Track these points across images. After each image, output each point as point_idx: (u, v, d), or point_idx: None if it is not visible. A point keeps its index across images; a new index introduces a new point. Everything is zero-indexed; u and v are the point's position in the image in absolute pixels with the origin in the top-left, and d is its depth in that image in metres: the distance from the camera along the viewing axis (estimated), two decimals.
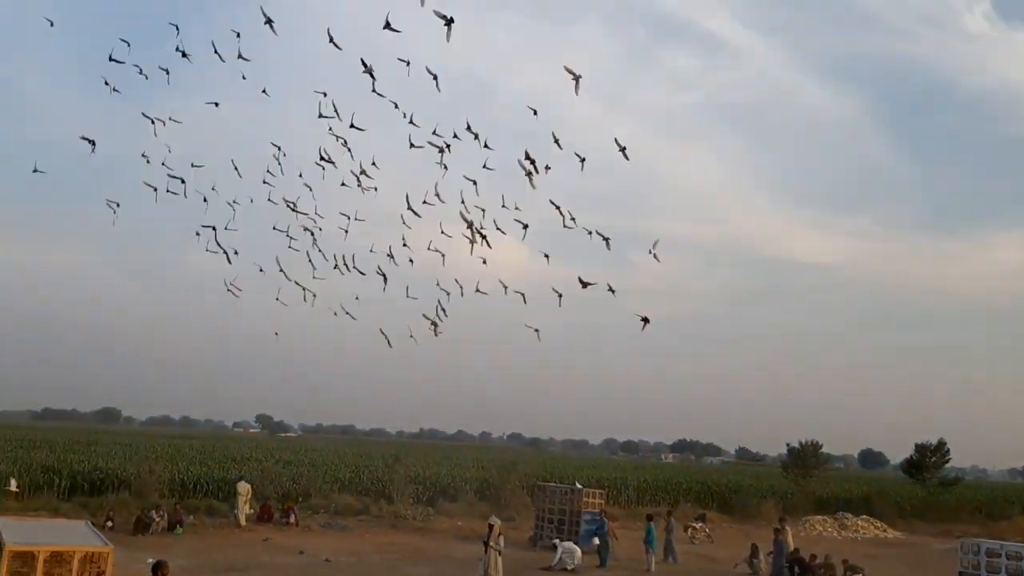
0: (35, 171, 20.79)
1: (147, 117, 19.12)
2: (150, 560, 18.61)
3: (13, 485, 27.60)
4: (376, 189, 20.60)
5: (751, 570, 25.18)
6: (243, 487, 28.74)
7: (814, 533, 38.49)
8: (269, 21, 16.81)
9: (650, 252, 16.44)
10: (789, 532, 25.31)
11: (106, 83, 18.54)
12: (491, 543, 17.56)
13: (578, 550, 23.24)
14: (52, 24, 21.00)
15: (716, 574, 24.76)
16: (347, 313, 21.92)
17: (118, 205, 20.40)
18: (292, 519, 28.54)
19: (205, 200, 19.92)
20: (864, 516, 43.38)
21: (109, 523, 25.04)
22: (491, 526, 18.41)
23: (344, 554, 23.57)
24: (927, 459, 53.22)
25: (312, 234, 20.70)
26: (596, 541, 25.54)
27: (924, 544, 37.86)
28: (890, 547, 33.41)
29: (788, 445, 51.72)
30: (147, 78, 18.26)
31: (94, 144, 19.20)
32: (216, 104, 20.85)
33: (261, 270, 21.17)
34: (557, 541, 23.67)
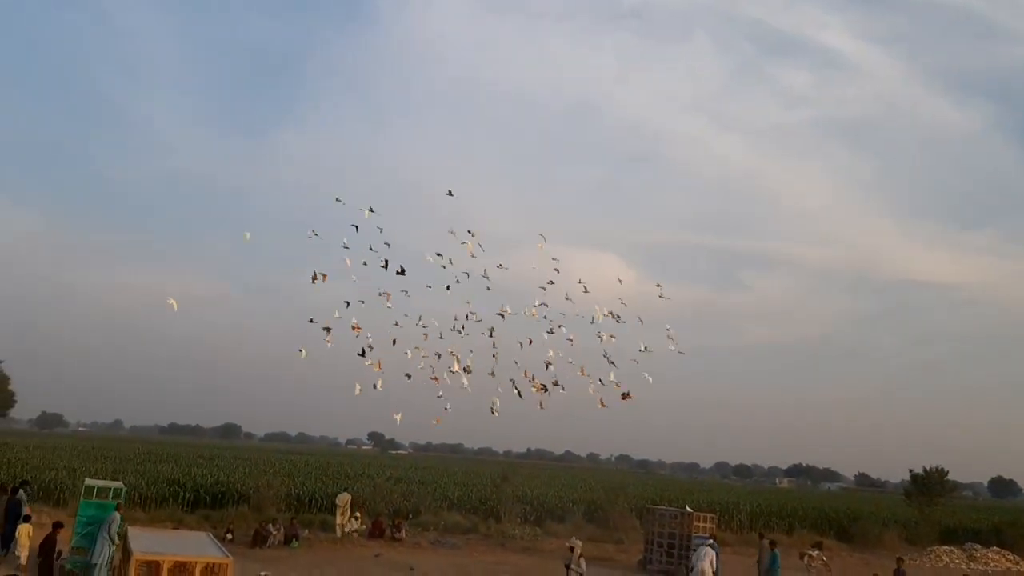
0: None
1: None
2: (263, 574, 19.33)
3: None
4: None
5: None
6: (342, 498, 29.76)
7: (940, 564, 36.57)
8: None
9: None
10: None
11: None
12: (573, 566, 17.39)
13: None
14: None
15: None
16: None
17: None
18: (402, 535, 29.03)
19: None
20: (995, 548, 40.88)
21: (229, 535, 26.00)
22: (572, 548, 18.24)
23: (453, 571, 23.83)
24: None
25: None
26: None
27: None
28: None
29: (911, 471, 49.41)
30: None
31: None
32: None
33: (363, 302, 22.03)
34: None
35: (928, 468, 48.60)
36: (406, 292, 22.23)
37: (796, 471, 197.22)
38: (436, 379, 22.76)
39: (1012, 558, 39.43)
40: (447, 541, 29.82)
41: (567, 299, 24.13)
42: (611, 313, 24.46)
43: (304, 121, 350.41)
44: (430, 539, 29.93)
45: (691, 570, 22.97)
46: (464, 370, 22.89)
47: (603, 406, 24.02)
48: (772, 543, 26.30)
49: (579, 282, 24.76)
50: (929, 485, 47.82)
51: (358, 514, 30.47)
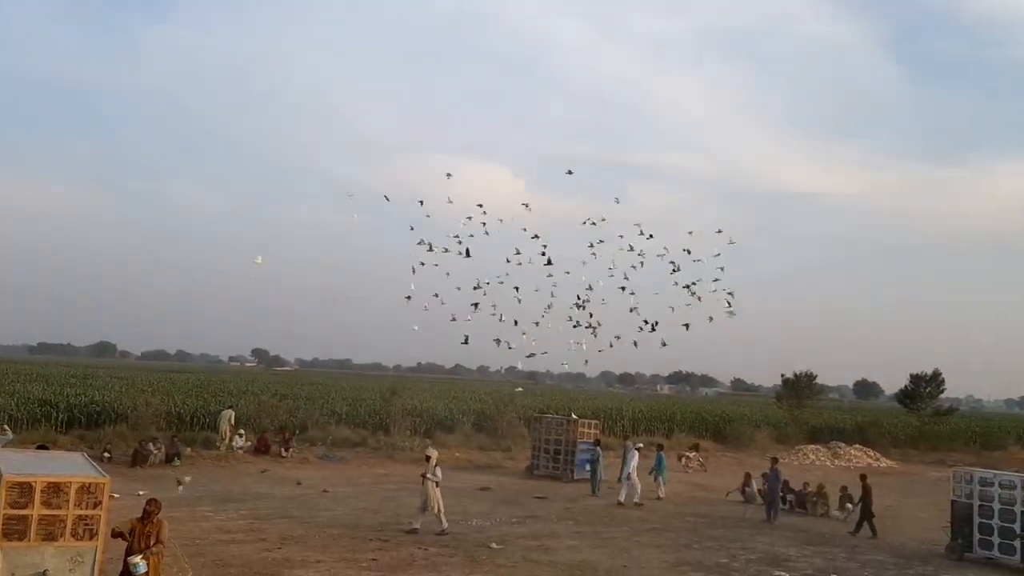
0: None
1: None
2: (141, 492, 18.71)
3: (9, 433, 27.12)
4: None
5: (744, 498, 25.42)
6: (225, 414, 29.40)
7: (807, 462, 38.92)
8: None
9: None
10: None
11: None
12: (429, 474, 17.40)
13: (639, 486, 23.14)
14: None
15: (709, 502, 24.95)
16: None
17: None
18: (289, 451, 28.67)
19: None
20: (857, 445, 43.85)
21: (107, 455, 25.09)
22: (428, 457, 18.18)
23: (342, 484, 23.71)
24: (922, 389, 53.62)
25: None
26: (588, 468, 25.87)
27: (917, 473, 38.34)
28: (883, 476, 33.72)
29: (783, 376, 52.07)
30: None
31: None
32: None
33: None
34: (628, 477, 23.21)
35: (798, 372, 51.27)
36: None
37: (676, 378, 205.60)
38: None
39: (872, 454, 42.40)
40: (335, 456, 29.66)
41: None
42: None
43: (168, 17, 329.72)
44: (318, 454, 29.69)
45: (623, 474, 23.65)
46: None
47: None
48: (659, 446, 27.57)
49: (480, 206, 24.55)
50: (798, 388, 50.48)
51: (242, 431, 29.89)
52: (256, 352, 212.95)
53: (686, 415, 48.87)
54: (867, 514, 20.66)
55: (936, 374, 53.90)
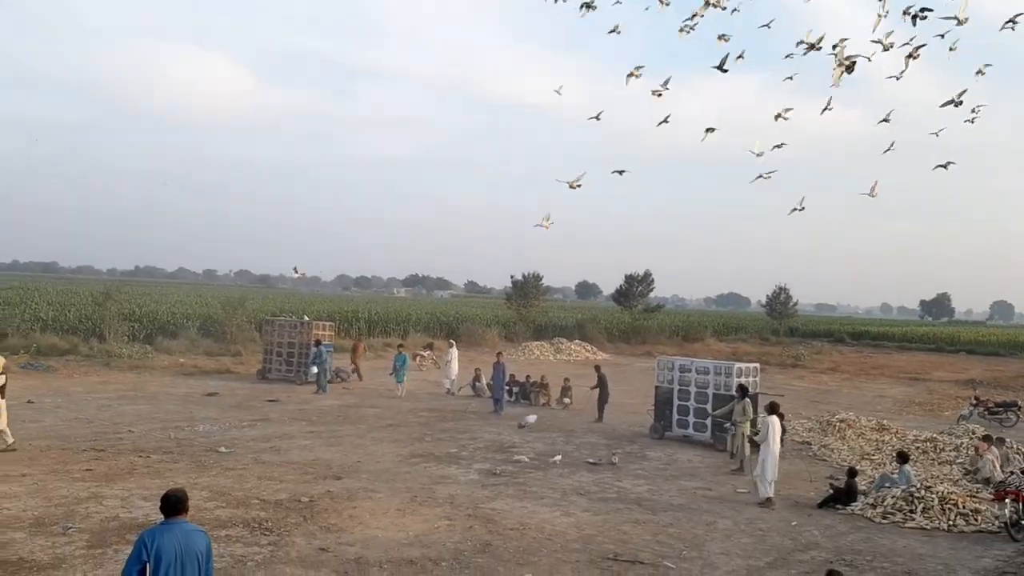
0: None
1: None
2: None
3: None
4: None
5: (474, 392, 26.59)
6: None
7: (532, 357, 41.31)
8: None
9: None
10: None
11: None
12: None
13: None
14: None
15: (441, 398, 25.82)
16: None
17: None
18: None
19: None
20: (577, 340, 47.24)
21: None
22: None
23: (50, 395, 21.74)
24: (634, 289, 58.45)
25: None
26: (315, 370, 25.67)
27: (628, 364, 42.01)
28: None
29: (512, 278, 54.36)
30: None
31: None
32: None
33: None
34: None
35: (526, 274, 53.74)
36: None
37: (413, 281, 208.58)
38: None
39: (590, 348, 45.88)
40: (40, 364, 27.10)
41: None
42: None
43: None
44: (19, 363, 26.93)
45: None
46: None
47: None
48: (400, 346, 27.99)
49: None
50: (526, 290, 53.05)
51: None
52: None
53: (421, 316, 49.80)
54: (604, 400, 22.47)
55: (647, 275, 58.94)
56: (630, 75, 13.17)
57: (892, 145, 14.60)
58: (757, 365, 20.21)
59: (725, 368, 19.18)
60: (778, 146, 14.29)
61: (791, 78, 13.52)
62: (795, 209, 14.55)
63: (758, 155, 13.59)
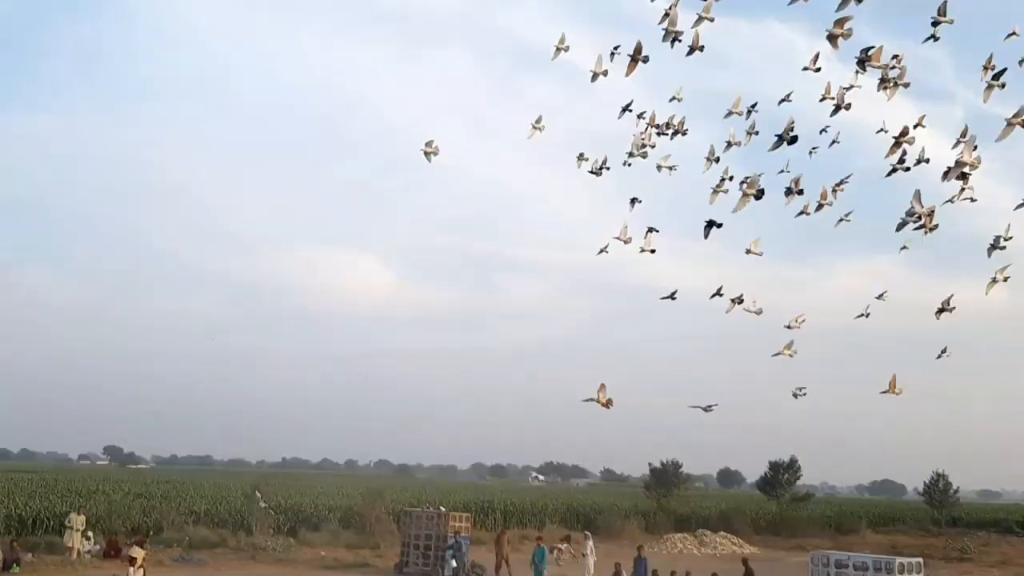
0: None
1: None
2: None
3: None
4: None
5: None
6: (74, 518, 27.34)
7: (675, 550, 39.49)
8: None
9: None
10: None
11: None
12: None
13: None
14: None
15: None
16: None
17: None
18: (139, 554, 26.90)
19: None
20: (722, 533, 44.92)
21: None
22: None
23: None
24: (780, 476, 55.74)
25: None
26: (453, 564, 25.45)
27: (778, 558, 39.43)
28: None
29: (650, 465, 52.96)
30: None
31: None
32: None
33: None
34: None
35: (665, 462, 52.33)
36: None
37: (548, 469, 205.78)
38: None
39: (736, 541, 43.49)
40: (192, 558, 28.05)
41: None
42: None
43: (32, 104, 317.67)
44: (172, 556, 27.98)
45: None
46: None
47: None
48: (539, 539, 27.81)
49: None
50: (665, 477, 51.49)
51: (90, 534, 27.94)
52: (109, 449, 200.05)
53: (557, 506, 48.92)
54: None
55: (793, 461, 56.26)
56: (748, 251, 13.41)
57: None
58: (920, 560, 18.77)
59: (886, 563, 17.91)
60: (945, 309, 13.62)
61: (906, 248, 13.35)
62: (797, 393, 14.15)
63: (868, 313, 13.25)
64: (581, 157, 14.61)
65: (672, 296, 15.16)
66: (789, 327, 14.48)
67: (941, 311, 13.10)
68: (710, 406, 13.44)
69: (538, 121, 15.32)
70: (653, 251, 14.22)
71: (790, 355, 14.27)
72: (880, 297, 13.37)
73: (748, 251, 13.66)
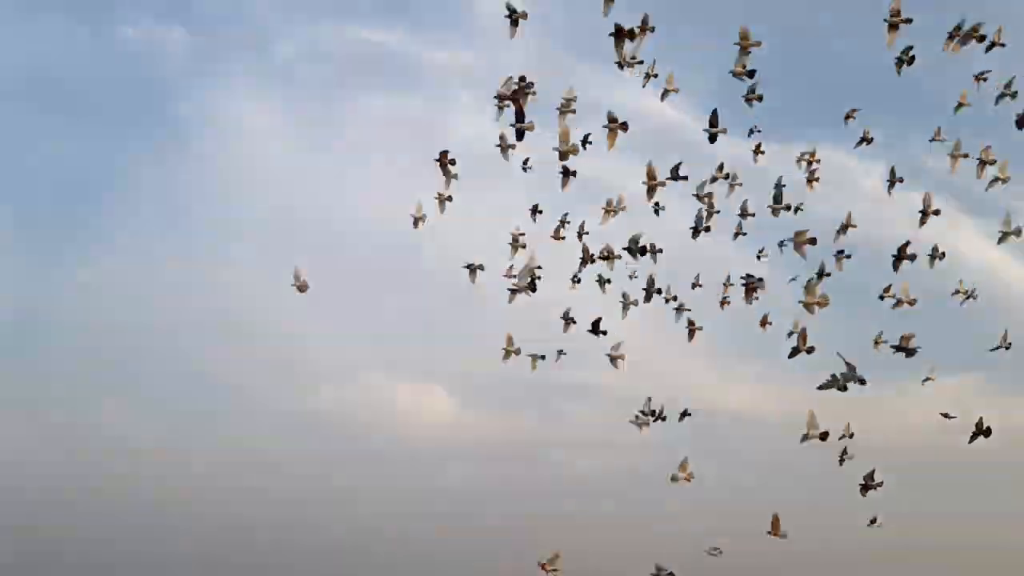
0: None
1: None
2: None
3: None
4: None
5: None
6: None
7: None
8: None
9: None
10: None
11: None
12: None
13: None
14: None
15: None
16: None
17: None
18: None
19: None
20: None
21: None
22: None
23: None
24: None
25: None
26: None
27: None
28: None
29: None
30: None
31: None
32: None
33: None
34: None
35: None
36: None
37: None
38: None
39: None
40: None
41: None
42: None
43: (110, 250, 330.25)
44: None
45: None
46: None
47: None
48: None
49: None
50: None
51: None
52: None
53: None
54: None
55: None
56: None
57: None
58: None
59: None
60: None
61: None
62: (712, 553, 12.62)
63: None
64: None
65: (687, 413, 14.14)
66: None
67: (976, 436, 11.77)
68: (715, 549, 12.25)
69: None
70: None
71: (687, 479, 12.89)
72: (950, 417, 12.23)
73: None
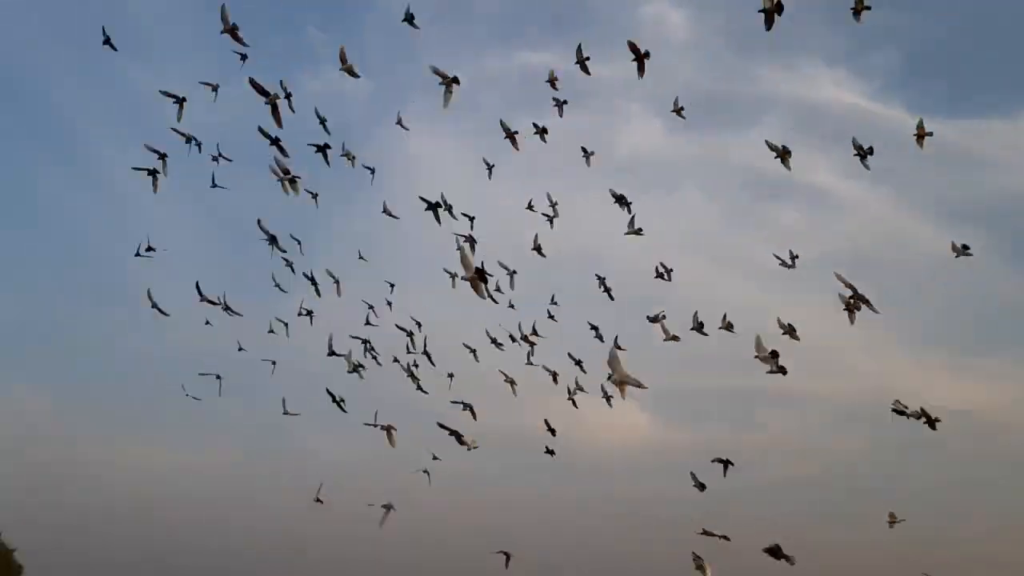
0: None
1: None
2: None
3: None
4: None
5: None
6: None
7: None
8: None
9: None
10: None
11: None
12: None
13: None
14: None
15: None
16: None
17: None
18: None
19: None
20: None
21: None
22: None
23: None
24: None
25: None
26: None
27: None
28: None
29: None
30: None
31: None
32: None
33: None
34: None
35: None
36: None
37: None
38: None
39: None
40: None
41: None
42: None
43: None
44: None
45: None
46: None
47: None
48: None
49: None
50: None
51: None
52: None
53: None
54: None
55: None
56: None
57: None
58: None
59: None
60: None
61: None
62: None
63: None
64: None
65: (728, 463, 13.66)
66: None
67: None
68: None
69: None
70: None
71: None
72: None
73: None
